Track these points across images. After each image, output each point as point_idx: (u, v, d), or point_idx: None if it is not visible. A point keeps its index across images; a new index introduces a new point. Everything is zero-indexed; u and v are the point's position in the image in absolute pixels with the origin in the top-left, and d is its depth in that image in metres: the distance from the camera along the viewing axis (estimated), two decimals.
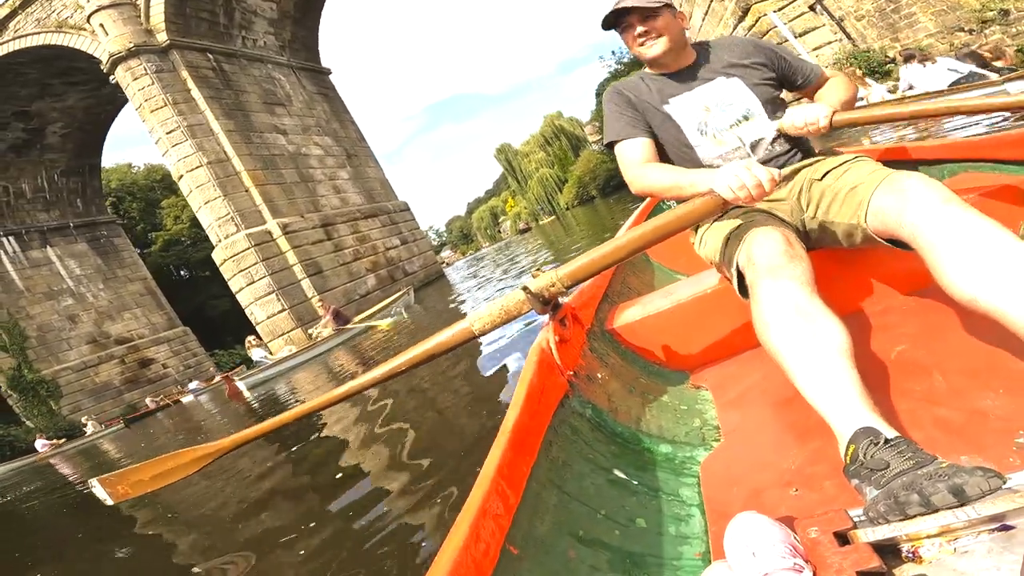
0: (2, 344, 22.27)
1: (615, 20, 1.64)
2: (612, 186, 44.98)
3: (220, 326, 33.29)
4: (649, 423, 1.43)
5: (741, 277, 1.33)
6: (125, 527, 4.10)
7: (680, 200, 1.49)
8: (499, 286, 11.03)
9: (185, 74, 17.10)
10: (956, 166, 1.84)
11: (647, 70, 1.73)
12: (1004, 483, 0.73)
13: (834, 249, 1.47)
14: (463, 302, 11.55)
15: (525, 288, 1.42)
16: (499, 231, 78.79)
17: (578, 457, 1.19)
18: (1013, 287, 0.90)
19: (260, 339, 14.43)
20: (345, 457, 3.49)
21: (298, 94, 21.53)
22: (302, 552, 2.27)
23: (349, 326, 12.82)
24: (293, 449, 4.28)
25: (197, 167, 16.66)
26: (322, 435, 4.35)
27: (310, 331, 14.24)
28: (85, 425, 19.90)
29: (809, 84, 1.71)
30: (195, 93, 17.11)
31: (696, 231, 1.67)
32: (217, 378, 19.38)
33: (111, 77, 17.25)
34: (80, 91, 22.19)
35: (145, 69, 16.70)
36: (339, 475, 3.18)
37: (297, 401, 6.67)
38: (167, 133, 16.71)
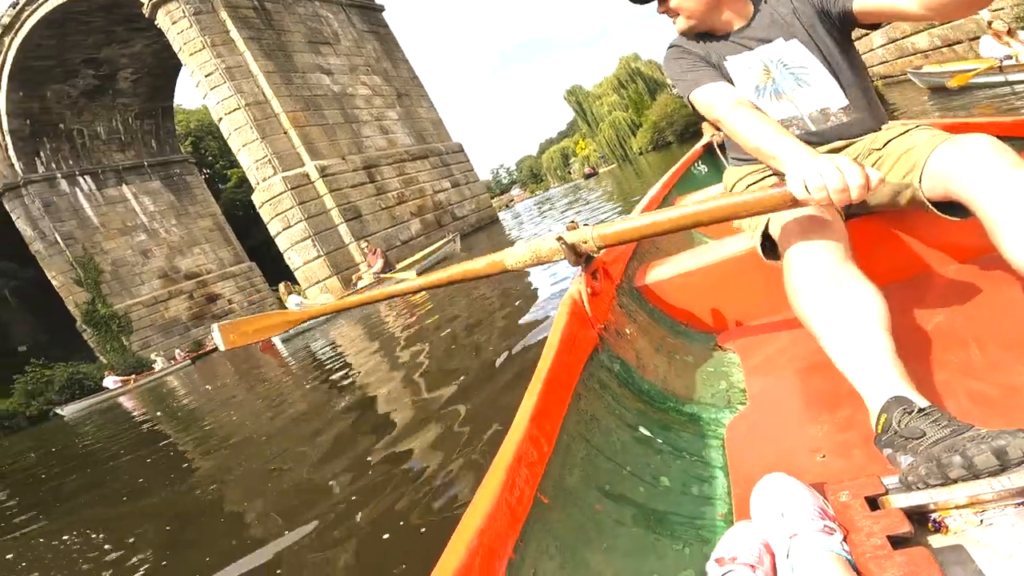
0: (77, 278, 22.33)
1: None
2: (691, 132, 41.35)
3: (286, 263, 32.98)
4: (675, 383, 1.38)
5: (766, 241, 1.28)
6: (190, 465, 4.26)
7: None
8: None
9: (224, 15, 15.91)
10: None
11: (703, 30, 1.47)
12: None
13: (875, 216, 1.40)
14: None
15: (560, 238, 1.36)
16: (569, 172, 76.10)
17: (606, 412, 1.16)
18: None
19: (291, 285, 13.09)
20: (386, 396, 3.59)
21: (347, 32, 19.92)
22: (347, 488, 2.37)
23: (390, 274, 11.41)
24: (340, 387, 4.48)
25: (235, 109, 15.56)
26: (362, 375, 4.52)
27: (356, 275, 12.79)
28: (154, 361, 19.59)
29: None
30: (234, 34, 15.91)
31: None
32: None
33: (154, 22, 16.07)
34: (146, 37, 21.53)
35: (183, 12, 15.58)
36: (380, 411, 3.34)
37: (336, 359, 6.18)
38: (205, 76, 15.72)
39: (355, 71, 19.22)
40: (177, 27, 15.64)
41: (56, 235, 22.51)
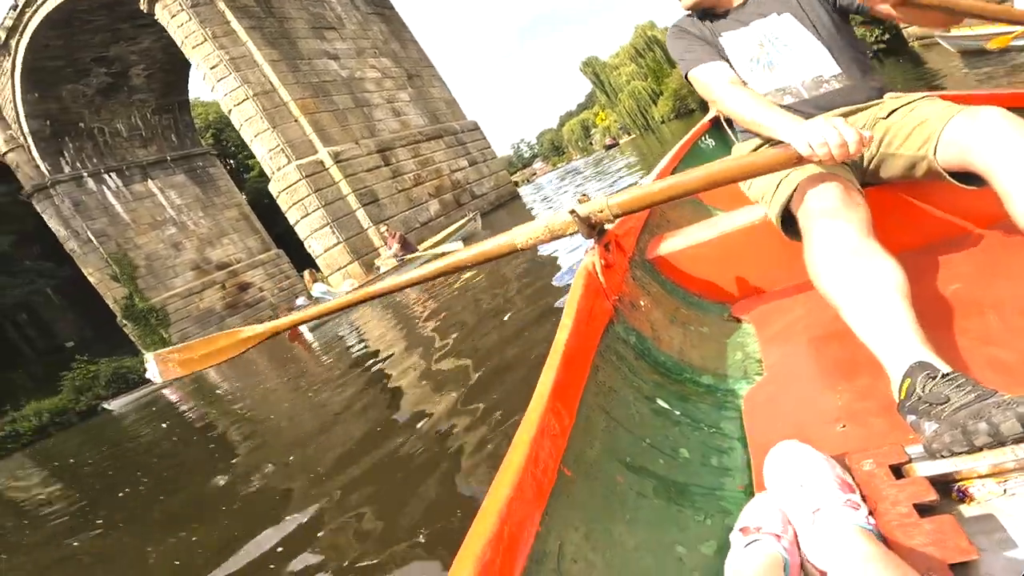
0: (113, 274, 22.64)
1: None
2: None
3: None
4: (691, 354, 1.37)
5: (786, 217, 1.27)
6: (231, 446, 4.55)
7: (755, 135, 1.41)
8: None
9: (222, 5, 15.46)
10: None
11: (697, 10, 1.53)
12: None
13: (891, 185, 1.37)
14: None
15: (572, 211, 1.33)
16: (590, 143, 74.55)
17: (623, 384, 1.15)
18: None
19: (315, 273, 12.90)
20: (410, 373, 3.65)
21: (351, 15, 19.41)
22: (373, 463, 2.49)
23: (414, 255, 11.10)
24: (366, 365, 4.63)
25: (244, 100, 15.21)
26: (392, 357, 4.54)
27: (376, 262, 12.54)
28: None
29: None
30: (234, 25, 15.47)
31: None
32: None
33: (154, 17, 15.74)
34: (151, 33, 21.18)
35: (181, 5, 15.20)
36: (403, 385, 3.47)
37: (365, 344, 6.12)
38: (211, 68, 15.35)
39: (363, 54, 18.74)
40: (176, 21, 15.30)
41: (89, 233, 22.75)
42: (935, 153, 1.14)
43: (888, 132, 1.27)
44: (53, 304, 30.03)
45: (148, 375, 1.47)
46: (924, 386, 0.81)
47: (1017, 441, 0.71)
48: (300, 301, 12.11)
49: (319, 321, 10.52)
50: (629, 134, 52.88)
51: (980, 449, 0.72)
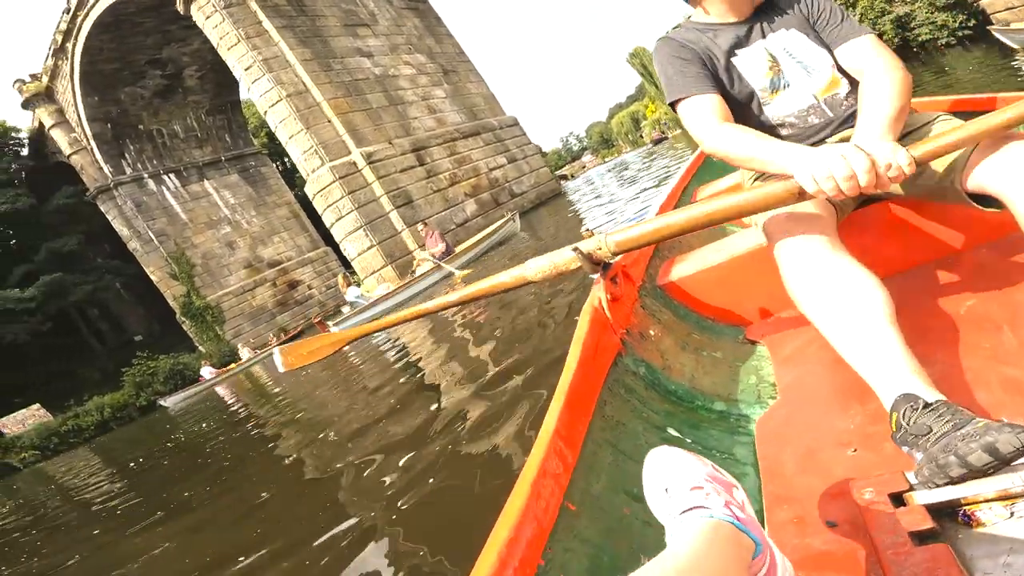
0: (173, 272, 23.02)
1: None
2: None
3: None
4: (703, 380, 1.34)
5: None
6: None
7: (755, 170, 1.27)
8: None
9: (254, 5, 14.93)
10: None
11: (704, 19, 1.41)
12: None
13: (895, 201, 1.33)
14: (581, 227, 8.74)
15: (576, 248, 1.32)
16: (640, 136, 71.83)
17: (632, 416, 1.14)
18: None
19: (349, 276, 12.29)
20: (448, 383, 3.62)
21: (384, 12, 18.58)
22: (396, 475, 2.48)
23: (446, 265, 10.36)
24: (402, 372, 4.64)
25: (277, 101, 14.73)
26: (425, 366, 4.52)
27: (416, 261, 11.85)
28: (240, 352, 19.80)
29: (834, 37, 1.30)
30: (266, 24, 14.92)
31: (749, 184, 1.46)
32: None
33: (191, 18, 15.43)
34: (199, 34, 21.15)
35: (214, 6, 14.80)
36: (441, 395, 3.40)
37: (402, 352, 5.88)
38: (245, 70, 14.94)
39: (396, 51, 17.93)
40: (211, 22, 14.94)
41: (150, 232, 23.27)
42: (962, 175, 1.05)
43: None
44: (123, 299, 31.07)
45: (276, 365, 1.63)
46: (908, 418, 0.81)
47: (996, 470, 0.70)
48: (352, 295, 11.44)
49: (356, 322, 9.94)
50: (680, 127, 50.41)
51: (961, 480, 0.71)
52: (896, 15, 15.19)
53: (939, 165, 1.10)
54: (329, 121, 14.91)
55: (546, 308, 4.33)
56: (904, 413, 0.81)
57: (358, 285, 13.61)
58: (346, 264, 26.06)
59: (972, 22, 13.74)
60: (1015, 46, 9.45)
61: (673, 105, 1.36)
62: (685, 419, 1.19)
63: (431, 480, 2.28)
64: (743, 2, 1.36)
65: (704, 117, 1.28)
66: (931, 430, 0.76)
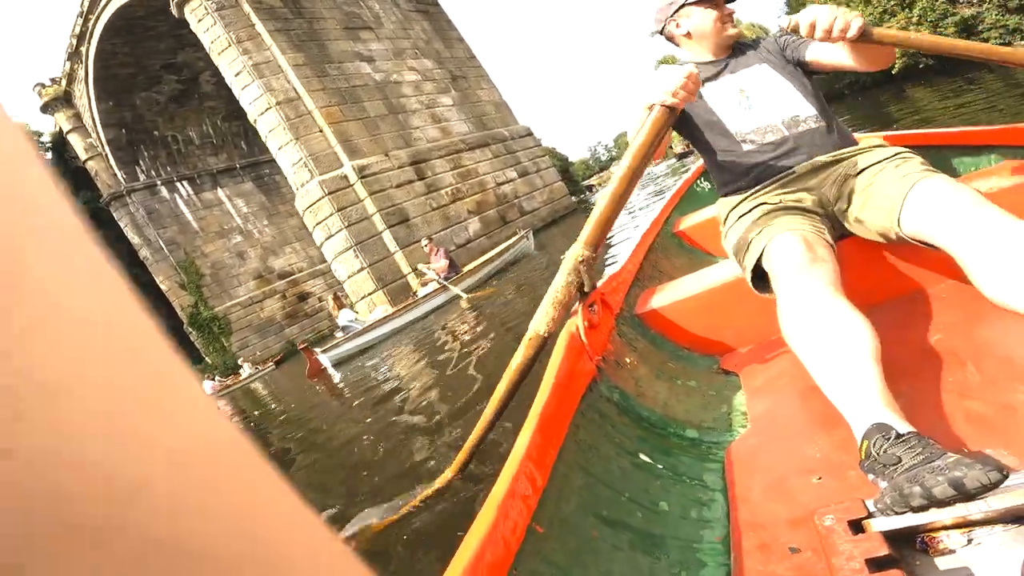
0: (181, 282, 22.22)
1: None
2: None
3: None
4: (676, 408, 1.37)
5: (756, 273, 1.32)
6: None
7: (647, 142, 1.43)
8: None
9: (247, 8, 14.04)
10: (1000, 151, 1.73)
11: (686, 58, 1.67)
12: (1005, 478, 0.71)
13: (871, 238, 1.40)
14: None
15: (560, 274, 1.37)
16: (670, 147, 69.15)
17: (605, 440, 1.15)
18: None
19: (339, 298, 10.87)
20: (438, 420, 3.38)
21: (390, 14, 17.47)
22: (368, 494, 2.49)
23: (452, 287, 9.18)
24: (395, 411, 4.24)
25: (267, 109, 13.77)
26: (419, 394, 4.34)
27: (422, 280, 10.50)
28: (241, 367, 18.80)
29: (805, 46, 1.53)
30: (259, 28, 14.01)
31: (724, 222, 1.58)
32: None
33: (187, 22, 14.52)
34: None
35: (206, 9, 13.92)
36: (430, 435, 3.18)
37: (398, 386, 5.16)
38: (235, 75, 14.08)
39: (401, 56, 16.76)
40: (202, 25, 14.10)
41: (160, 241, 22.62)
42: (899, 225, 1.18)
43: (858, 194, 1.33)
44: None
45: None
46: (879, 447, 0.83)
47: (960, 501, 0.72)
48: (344, 318, 10.07)
49: (346, 355, 8.84)
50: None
51: (920, 509, 0.74)
52: (961, 17, 13.09)
53: (878, 215, 1.25)
54: (320, 131, 13.78)
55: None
56: (876, 442, 0.84)
57: (352, 308, 12.22)
58: None
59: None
60: None
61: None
62: (657, 445, 1.21)
63: (401, 498, 2.23)
64: (716, 46, 1.61)
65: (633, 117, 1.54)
66: (900, 460, 0.79)
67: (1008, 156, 1.70)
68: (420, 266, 10.16)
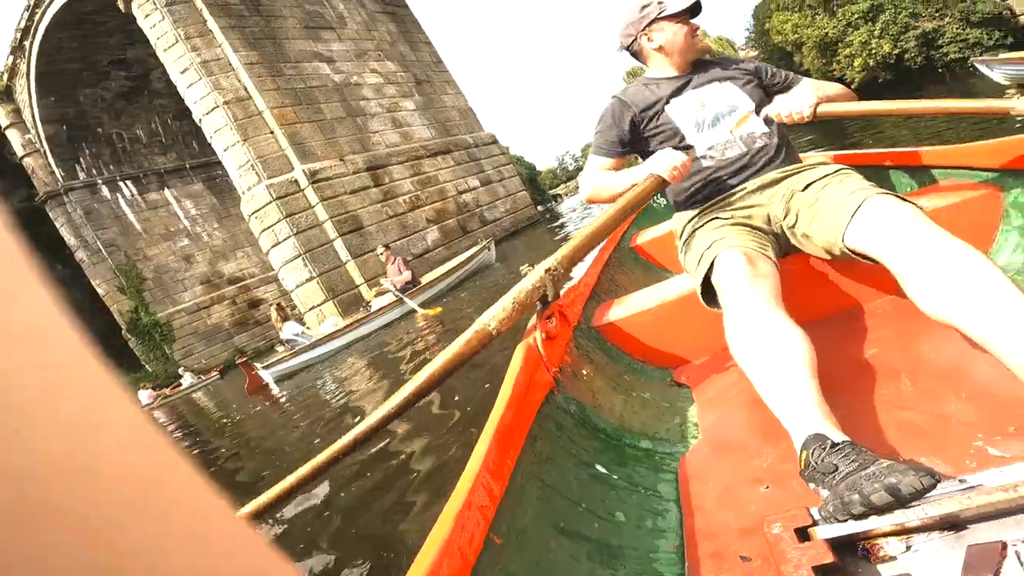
0: (121, 286, 20.96)
1: (698, 8, 1.63)
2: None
3: None
4: (631, 420, 1.40)
5: (706, 287, 1.37)
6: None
7: (628, 198, 1.57)
8: None
9: (200, 3, 13.34)
10: (939, 172, 1.81)
11: (651, 74, 1.72)
12: (937, 483, 0.74)
13: (815, 254, 1.46)
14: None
15: (524, 285, 1.39)
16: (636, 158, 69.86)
17: (562, 452, 1.16)
18: (975, 307, 0.92)
19: (283, 309, 10.07)
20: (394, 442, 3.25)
21: (354, 14, 16.92)
22: (321, 506, 2.43)
23: (408, 300, 8.67)
24: (338, 414, 4.32)
25: (213, 109, 13.09)
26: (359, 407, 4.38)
27: (376, 290, 9.87)
28: (181, 377, 17.65)
29: (793, 86, 1.69)
30: (211, 24, 13.33)
31: (680, 236, 1.66)
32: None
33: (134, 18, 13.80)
34: None
35: (154, 4, 13.21)
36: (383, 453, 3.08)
37: (345, 403, 4.85)
38: (181, 73, 13.38)
39: (363, 57, 16.22)
40: (149, 21, 13.43)
41: (98, 243, 21.30)
42: (843, 241, 1.22)
43: (804, 210, 1.37)
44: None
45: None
46: (816, 456, 0.85)
47: (897, 507, 0.74)
48: (289, 331, 9.32)
49: (290, 371, 8.24)
50: None
51: (862, 516, 0.75)
52: (922, 30, 13.26)
53: (823, 231, 1.29)
54: (271, 133, 13.12)
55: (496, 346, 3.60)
56: (813, 452, 0.87)
57: (300, 321, 11.49)
58: None
59: (1010, 39, 11.79)
60: (1003, 81, 7.47)
61: (589, 156, 1.74)
62: (613, 456, 1.22)
63: (359, 510, 2.26)
64: (680, 63, 1.66)
65: (591, 171, 1.69)
66: (837, 468, 0.82)
67: (944, 176, 1.80)
68: (383, 281, 9.60)
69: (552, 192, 35.28)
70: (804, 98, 1.51)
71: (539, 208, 21.89)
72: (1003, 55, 8.31)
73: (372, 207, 13.81)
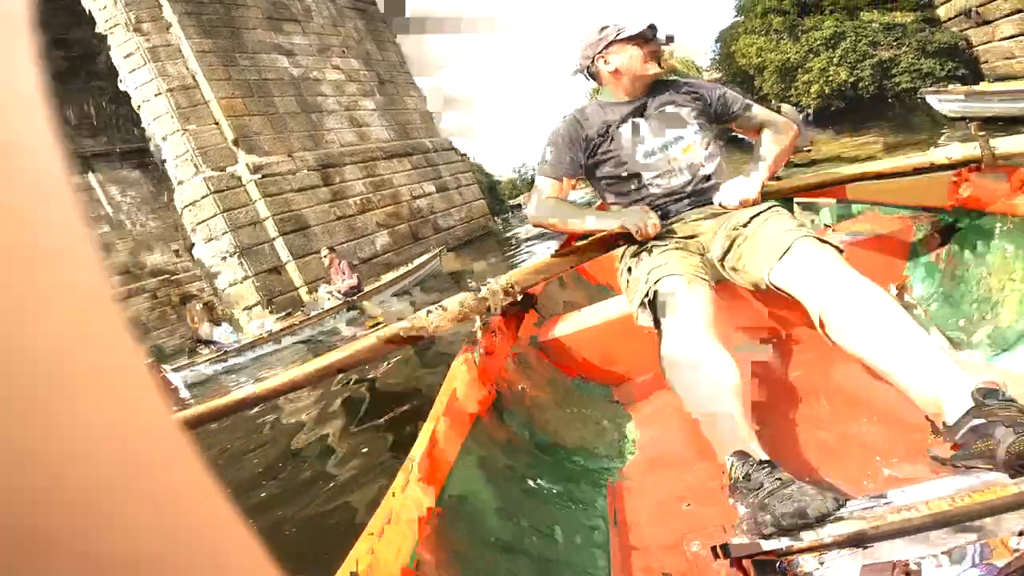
0: None
1: (651, 33, 1.63)
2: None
3: None
4: (570, 435, 1.41)
5: (644, 311, 1.41)
6: None
7: (576, 232, 1.66)
8: None
9: None
10: (863, 206, 1.90)
11: (605, 97, 1.74)
12: (842, 505, 0.78)
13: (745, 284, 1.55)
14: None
15: (474, 293, 1.38)
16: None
17: (496, 466, 1.16)
18: (878, 344, 1.02)
19: (213, 309, 9.30)
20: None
21: (322, 9, 16.42)
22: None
23: (352, 300, 8.46)
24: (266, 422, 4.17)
25: (156, 95, 12.50)
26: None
27: (313, 296, 9.25)
28: None
29: (738, 116, 1.70)
30: (166, 9, 12.72)
31: (620, 259, 1.67)
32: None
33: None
34: None
35: None
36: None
37: (274, 420, 4.53)
38: (125, 57, 12.66)
39: (326, 52, 15.66)
40: (98, 3, 12.85)
41: None
42: (769, 278, 1.31)
43: (739, 245, 1.44)
44: None
45: None
46: (740, 475, 0.90)
47: (807, 528, 0.77)
48: (213, 332, 8.66)
49: (207, 376, 7.71)
50: None
51: (772, 536, 0.78)
52: (879, 59, 13.52)
53: (752, 268, 1.38)
54: (216, 123, 12.55)
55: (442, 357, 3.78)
56: (736, 470, 0.92)
57: (228, 321, 10.72)
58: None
59: (961, 71, 12.10)
60: (948, 114, 7.74)
61: (535, 177, 1.70)
62: (549, 471, 1.21)
63: (286, 520, 2.19)
64: (634, 88, 1.67)
65: (541, 195, 1.65)
66: (756, 488, 0.86)
67: (868, 210, 1.89)
68: (322, 289, 9.05)
69: (513, 203, 35.33)
70: (750, 182, 1.52)
71: (497, 219, 21.55)
72: (952, 87, 8.52)
73: (319, 207, 13.23)
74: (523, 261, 9.05)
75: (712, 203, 1.57)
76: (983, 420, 0.84)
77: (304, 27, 15.46)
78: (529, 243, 12.79)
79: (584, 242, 1.52)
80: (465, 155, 20.45)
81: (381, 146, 15.73)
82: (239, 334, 9.11)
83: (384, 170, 15.33)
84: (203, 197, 11.89)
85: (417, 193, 16.04)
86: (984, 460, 0.83)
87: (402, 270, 10.43)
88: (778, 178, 2.03)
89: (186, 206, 12.15)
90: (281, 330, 8.36)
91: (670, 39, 1.63)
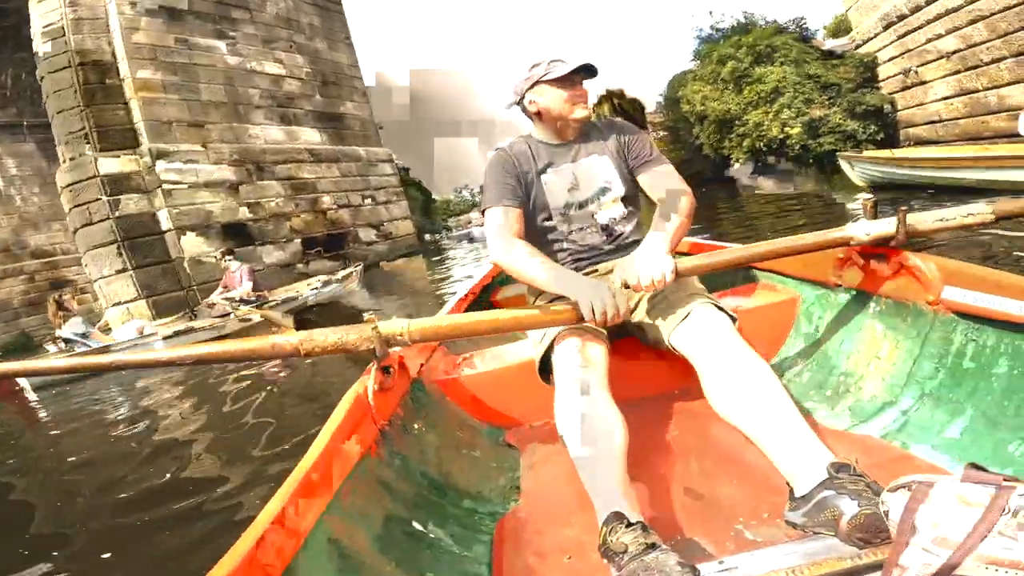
0: None
1: (587, 72, 1.54)
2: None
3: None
4: (457, 477, 1.40)
5: (544, 364, 1.44)
6: None
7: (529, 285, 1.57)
8: None
9: None
10: (760, 273, 2.00)
11: (536, 135, 1.67)
12: (697, 574, 0.80)
13: (643, 341, 1.54)
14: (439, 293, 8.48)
15: (375, 328, 1.29)
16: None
17: (377, 507, 1.13)
18: (750, 413, 1.11)
19: (61, 302, 8.22)
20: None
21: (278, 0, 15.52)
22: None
23: (250, 309, 7.62)
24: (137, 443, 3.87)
25: (63, 68, 11.61)
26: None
27: (206, 302, 8.87)
28: None
29: (648, 163, 1.61)
30: None
31: (532, 303, 1.68)
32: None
33: None
34: None
35: None
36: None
37: (143, 408, 4.57)
38: (44, 28, 11.73)
39: (270, 44, 14.96)
40: None
41: None
42: (669, 340, 1.38)
43: (642, 304, 1.49)
44: None
45: None
46: (611, 535, 0.92)
47: None
48: (71, 330, 7.68)
49: (62, 378, 6.79)
50: None
51: None
52: (810, 118, 13.80)
53: (653, 329, 1.43)
54: (125, 104, 11.80)
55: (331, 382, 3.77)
56: (611, 530, 0.93)
57: (96, 320, 9.63)
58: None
59: (881, 135, 12.43)
60: (858, 181, 7.93)
61: (484, 212, 1.57)
62: (432, 514, 1.20)
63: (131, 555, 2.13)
64: (565, 130, 1.61)
65: (502, 228, 1.50)
66: (626, 550, 0.88)
67: (764, 278, 1.98)
68: (214, 296, 8.20)
69: (447, 224, 35.16)
70: (662, 262, 1.33)
71: (425, 237, 20.96)
72: (866, 152, 8.64)
73: (227, 204, 12.44)
74: (442, 295, 8.53)
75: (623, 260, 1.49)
76: (832, 492, 0.93)
77: (254, 15, 14.81)
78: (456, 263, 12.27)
79: (520, 313, 1.34)
80: (405, 169, 19.87)
81: (311, 148, 15.07)
82: (100, 336, 8.13)
83: (309, 173, 14.63)
84: (89, 178, 11.09)
85: (341, 202, 15.32)
86: (828, 528, 0.92)
87: (314, 280, 9.84)
88: (686, 253, 2.13)
89: (68, 186, 11.18)
90: (152, 336, 7.52)
91: (591, 73, 1.53)
